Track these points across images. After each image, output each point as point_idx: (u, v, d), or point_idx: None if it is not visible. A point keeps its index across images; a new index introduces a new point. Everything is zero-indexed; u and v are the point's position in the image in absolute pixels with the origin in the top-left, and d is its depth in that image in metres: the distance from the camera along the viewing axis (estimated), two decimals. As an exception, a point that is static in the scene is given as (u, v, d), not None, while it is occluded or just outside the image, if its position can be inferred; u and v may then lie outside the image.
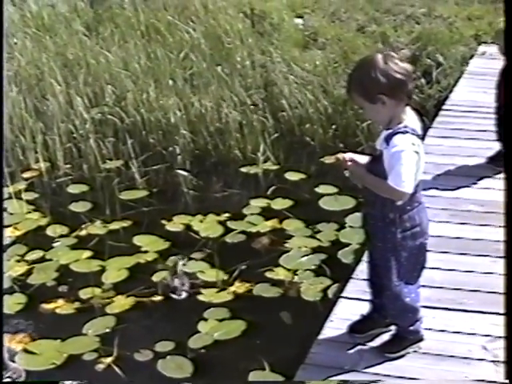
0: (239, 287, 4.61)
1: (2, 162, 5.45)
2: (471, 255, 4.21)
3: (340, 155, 3.20)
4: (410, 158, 3.01)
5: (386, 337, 3.53)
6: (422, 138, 3.17)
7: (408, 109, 3.10)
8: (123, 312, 4.42)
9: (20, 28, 8.03)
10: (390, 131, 3.06)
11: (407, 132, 3.02)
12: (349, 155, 3.19)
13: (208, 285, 4.65)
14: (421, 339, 3.45)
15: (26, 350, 4.13)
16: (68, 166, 6.19)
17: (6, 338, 3.97)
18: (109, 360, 4.02)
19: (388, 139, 3.04)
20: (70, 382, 3.52)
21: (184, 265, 4.77)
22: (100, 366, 3.98)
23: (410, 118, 3.10)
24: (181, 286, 4.59)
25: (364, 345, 3.51)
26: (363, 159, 3.21)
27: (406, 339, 3.43)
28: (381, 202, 3.15)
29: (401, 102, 3.03)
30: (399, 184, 3.02)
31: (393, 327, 3.53)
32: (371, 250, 3.39)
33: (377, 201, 3.17)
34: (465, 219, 4.59)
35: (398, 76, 2.97)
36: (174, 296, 4.55)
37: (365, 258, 4.01)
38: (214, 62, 7.20)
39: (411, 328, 3.41)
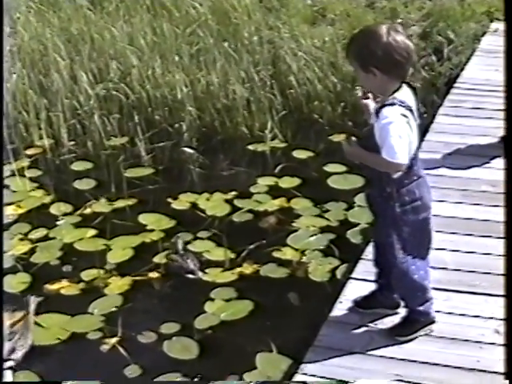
0: (246, 268, 4.53)
1: (2, 141, 5.39)
2: (482, 237, 4.12)
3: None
4: (401, 129, 2.95)
5: (396, 320, 3.47)
6: (425, 113, 3.10)
7: (403, 85, 3.04)
8: (128, 292, 4.35)
9: (23, 2, 7.90)
10: (379, 104, 3.02)
11: (395, 104, 2.97)
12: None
13: (215, 264, 4.56)
14: (432, 321, 3.38)
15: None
16: (72, 142, 6.09)
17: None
18: (113, 340, 3.96)
19: (378, 112, 3.00)
20: (71, 382, 3.45)
21: (187, 243, 4.69)
22: (105, 347, 3.92)
23: (402, 92, 3.03)
24: (189, 265, 4.51)
25: (371, 326, 3.44)
26: None
27: (416, 321, 3.37)
28: (377, 178, 3.11)
29: (394, 79, 2.99)
30: (393, 156, 2.96)
31: (400, 310, 3.47)
32: (375, 228, 3.34)
33: (374, 177, 3.14)
34: (476, 200, 4.49)
35: (397, 57, 2.94)
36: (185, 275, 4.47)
37: (373, 238, 3.97)
38: (221, 38, 7.08)
39: (421, 308, 3.34)
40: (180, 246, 4.63)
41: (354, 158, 3.17)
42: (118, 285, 4.39)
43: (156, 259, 4.61)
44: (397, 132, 2.94)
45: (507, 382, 3.06)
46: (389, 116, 2.95)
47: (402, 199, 3.11)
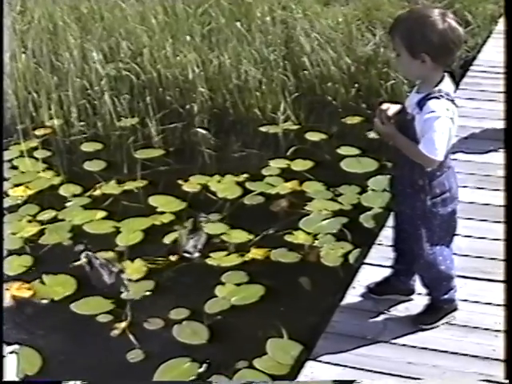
0: (256, 252, 4.46)
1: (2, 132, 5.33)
2: (499, 222, 4.03)
3: (383, 107, 3.05)
4: (445, 125, 2.86)
5: (410, 306, 3.40)
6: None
7: (445, 74, 2.96)
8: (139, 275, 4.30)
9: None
10: (423, 95, 2.92)
11: (442, 97, 2.88)
12: (391, 110, 3.04)
13: (225, 248, 4.51)
14: (455, 308, 3.32)
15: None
16: (82, 123, 6.02)
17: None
18: (123, 325, 3.91)
19: (422, 104, 2.90)
20: (73, 382, 3.41)
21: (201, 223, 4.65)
22: (115, 332, 3.87)
23: (445, 82, 2.95)
24: (186, 244, 4.46)
25: (387, 313, 3.38)
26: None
27: (440, 309, 3.31)
28: (410, 167, 3.02)
29: (441, 67, 2.92)
30: (431, 151, 2.88)
31: (414, 296, 3.43)
32: (398, 216, 3.25)
33: (406, 165, 3.03)
34: (494, 185, 4.40)
35: (451, 45, 2.86)
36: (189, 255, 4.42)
37: (389, 223, 3.89)
38: (233, 18, 6.98)
39: (446, 297, 3.28)
40: (190, 225, 4.56)
41: (388, 137, 3.07)
42: (135, 268, 4.34)
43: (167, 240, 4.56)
44: (441, 128, 2.85)
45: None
46: (435, 110, 2.86)
47: (434, 192, 3.03)
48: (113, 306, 4.05)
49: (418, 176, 3.02)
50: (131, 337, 3.80)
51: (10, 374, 3.29)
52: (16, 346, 3.43)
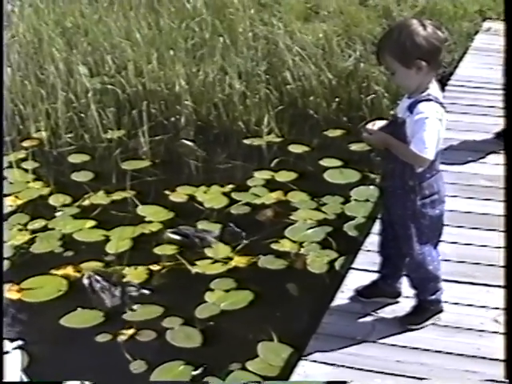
0: (240, 260, 4.56)
1: (2, 133, 5.39)
2: (481, 229, 4.19)
3: (369, 125, 3.19)
4: (434, 125, 3.01)
5: (397, 309, 3.53)
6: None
7: (433, 79, 3.11)
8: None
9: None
10: (414, 99, 3.07)
11: (431, 100, 3.03)
12: (377, 124, 3.19)
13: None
14: (441, 310, 3.45)
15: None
16: (69, 135, 6.10)
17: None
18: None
19: (412, 107, 3.05)
20: (74, 382, 3.47)
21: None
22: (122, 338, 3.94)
23: (434, 87, 3.10)
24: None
25: (375, 315, 3.50)
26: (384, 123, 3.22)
27: (427, 310, 3.43)
28: (400, 170, 3.15)
29: (433, 69, 3.06)
30: (422, 150, 3.01)
31: (401, 299, 3.55)
32: (387, 220, 3.38)
33: (396, 169, 3.17)
34: (473, 194, 4.56)
35: (437, 43, 3.00)
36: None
37: (374, 229, 4.03)
38: (216, 33, 7.11)
39: (432, 297, 3.40)
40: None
41: (378, 143, 3.21)
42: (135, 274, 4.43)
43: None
44: (430, 127, 2.99)
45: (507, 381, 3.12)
46: (425, 111, 3.00)
47: (423, 193, 3.17)
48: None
49: (409, 177, 3.15)
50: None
51: (15, 369, 3.34)
52: (19, 342, 3.48)
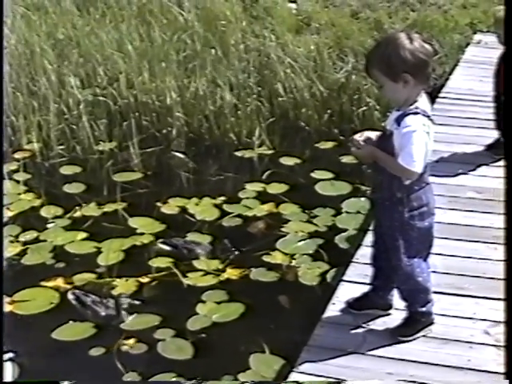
0: (232, 272, 4.57)
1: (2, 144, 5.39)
2: (470, 241, 4.21)
3: (356, 136, 3.20)
4: (421, 139, 3.03)
5: (388, 321, 3.54)
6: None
7: (422, 92, 3.12)
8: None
9: (10, 6, 7.90)
10: (401, 112, 3.09)
11: (418, 113, 3.05)
12: (365, 134, 3.20)
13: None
14: (432, 322, 3.46)
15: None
16: (61, 147, 6.10)
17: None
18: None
19: (399, 120, 3.07)
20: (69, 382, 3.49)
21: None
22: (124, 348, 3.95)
23: (422, 100, 3.12)
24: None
25: (366, 327, 3.51)
26: (375, 135, 3.23)
27: (418, 322, 3.44)
28: (388, 182, 3.17)
29: (421, 83, 3.07)
30: (410, 163, 3.03)
31: (392, 311, 3.56)
32: (379, 232, 3.39)
33: (384, 181, 3.19)
34: (464, 206, 4.59)
35: (423, 57, 3.02)
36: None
37: (365, 242, 4.04)
38: (208, 45, 7.14)
39: (423, 309, 3.41)
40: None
41: (366, 156, 3.23)
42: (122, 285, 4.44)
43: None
44: (417, 141, 3.02)
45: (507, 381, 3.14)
46: (412, 125, 3.02)
47: (411, 205, 3.18)
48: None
49: (397, 189, 3.17)
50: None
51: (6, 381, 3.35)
52: (11, 354, 3.48)
